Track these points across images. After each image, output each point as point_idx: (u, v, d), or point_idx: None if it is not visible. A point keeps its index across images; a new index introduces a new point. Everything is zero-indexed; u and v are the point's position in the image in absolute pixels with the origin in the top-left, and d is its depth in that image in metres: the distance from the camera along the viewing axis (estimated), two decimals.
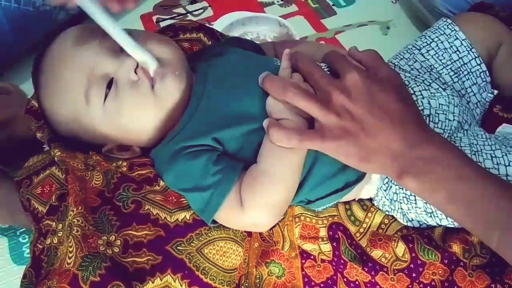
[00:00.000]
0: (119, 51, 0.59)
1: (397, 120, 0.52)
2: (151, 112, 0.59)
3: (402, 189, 0.60)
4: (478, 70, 0.70)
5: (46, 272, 0.57)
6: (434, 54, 0.71)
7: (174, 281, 0.56)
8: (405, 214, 0.61)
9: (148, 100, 0.58)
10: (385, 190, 0.61)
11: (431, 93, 0.64)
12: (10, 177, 0.72)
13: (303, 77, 0.57)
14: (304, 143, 0.53)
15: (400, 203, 0.60)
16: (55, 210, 0.61)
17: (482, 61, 0.70)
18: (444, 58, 0.71)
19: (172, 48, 0.63)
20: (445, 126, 0.62)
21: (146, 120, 0.60)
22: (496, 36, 0.72)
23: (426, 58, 0.71)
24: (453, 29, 0.72)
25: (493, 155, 0.59)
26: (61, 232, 0.58)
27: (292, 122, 0.55)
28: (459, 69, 0.70)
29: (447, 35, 0.72)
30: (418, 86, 0.65)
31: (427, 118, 0.62)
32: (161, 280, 0.55)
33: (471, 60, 0.70)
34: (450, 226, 0.60)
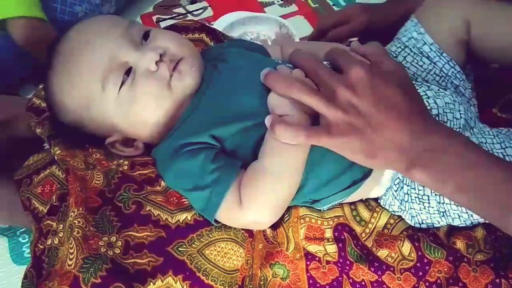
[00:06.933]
0: (140, 44, 0.60)
1: (403, 114, 0.51)
2: (163, 104, 0.60)
3: (415, 188, 0.59)
4: (453, 72, 0.69)
5: (47, 272, 0.57)
6: (413, 61, 0.70)
7: (175, 283, 0.55)
8: (414, 216, 0.61)
9: (163, 91, 0.59)
10: (395, 191, 0.61)
11: (435, 92, 0.64)
12: (10, 177, 0.72)
13: (306, 74, 0.56)
14: (310, 140, 0.53)
15: (412, 203, 0.60)
16: (56, 210, 0.61)
17: (455, 63, 0.69)
18: (424, 63, 0.69)
19: (191, 45, 0.65)
20: (454, 125, 0.62)
21: (156, 111, 0.60)
22: (461, 18, 0.68)
23: (406, 66, 0.69)
24: (419, 32, 0.70)
25: (505, 154, 0.59)
26: (62, 233, 0.58)
27: (295, 118, 0.54)
28: (440, 73, 0.69)
29: (415, 39, 0.70)
30: (420, 88, 0.64)
31: (435, 117, 0.61)
32: (162, 282, 0.55)
33: (444, 64, 0.69)
34: (462, 225, 0.60)
